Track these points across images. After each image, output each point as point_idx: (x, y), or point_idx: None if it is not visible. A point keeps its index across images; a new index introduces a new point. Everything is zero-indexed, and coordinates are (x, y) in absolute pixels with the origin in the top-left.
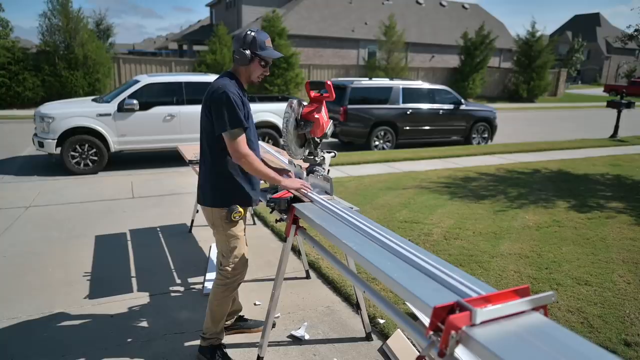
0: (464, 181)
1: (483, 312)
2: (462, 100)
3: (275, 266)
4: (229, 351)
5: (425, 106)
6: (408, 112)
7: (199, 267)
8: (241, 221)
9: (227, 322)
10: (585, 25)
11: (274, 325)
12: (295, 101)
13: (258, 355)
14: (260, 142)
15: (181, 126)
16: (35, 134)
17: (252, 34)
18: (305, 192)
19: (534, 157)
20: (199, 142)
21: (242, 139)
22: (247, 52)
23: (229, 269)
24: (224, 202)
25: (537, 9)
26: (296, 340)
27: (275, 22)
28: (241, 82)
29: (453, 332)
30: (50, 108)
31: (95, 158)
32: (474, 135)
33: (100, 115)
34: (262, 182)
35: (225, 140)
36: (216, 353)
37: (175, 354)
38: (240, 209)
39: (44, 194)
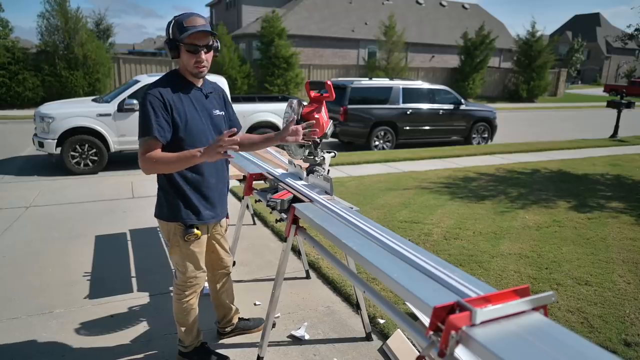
0: (464, 181)
1: (483, 312)
2: (462, 100)
3: (275, 266)
4: (229, 351)
5: (425, 106)
6: (408, 112)
7: None
8: (204, 237)
9: (226, 329)
10: (585, 25)
11: (274, 325)
12: (295, 101)
13: (258, 355)
14: None
15: None
16: (35, 134)
17: (174, 19)
18: (224, 149)
19: (534, 157)
20: None
21: (149, 148)
22: (170, 43)
23: (186, 285)
24: (177, 217)
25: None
26: (296, 340)
27: (275, 22)
28: (185, 78)
29: (453, 332)
30: (50, 108)
31: (95, 158)
32: (474, 135)
33: (100, 115)
34: (261, 182)
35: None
36: (199, 352)
37: (175, 354)
38: (197, 231)
39: (44, 194)
